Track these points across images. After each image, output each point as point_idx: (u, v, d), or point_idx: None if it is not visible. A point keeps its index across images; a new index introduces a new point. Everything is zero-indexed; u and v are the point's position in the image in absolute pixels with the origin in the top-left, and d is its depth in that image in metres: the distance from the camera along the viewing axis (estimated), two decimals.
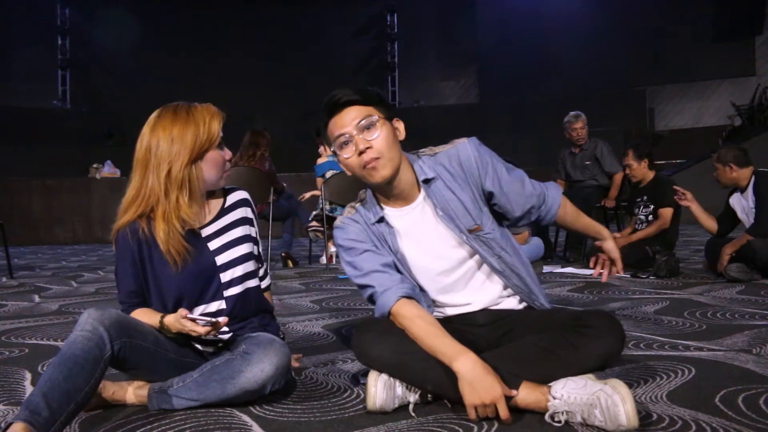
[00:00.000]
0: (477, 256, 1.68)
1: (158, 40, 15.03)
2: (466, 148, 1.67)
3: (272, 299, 1.95)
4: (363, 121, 1.58)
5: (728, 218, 4.03)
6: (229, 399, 1.57)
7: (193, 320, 1.56)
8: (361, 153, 1.57)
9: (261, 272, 1.87)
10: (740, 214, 3.91)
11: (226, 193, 1.84)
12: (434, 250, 1.69)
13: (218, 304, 1.73)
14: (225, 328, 1.65)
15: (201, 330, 1.55)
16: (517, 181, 1.70)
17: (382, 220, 1.70)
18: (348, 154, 1.60)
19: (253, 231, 1.84)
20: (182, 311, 1.58)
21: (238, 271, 1.75)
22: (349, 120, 1.59)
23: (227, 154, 1.73)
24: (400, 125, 1.67)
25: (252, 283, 1.80)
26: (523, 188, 1.70)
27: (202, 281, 1.72)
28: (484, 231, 1.66)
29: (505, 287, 1.72)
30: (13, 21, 14.47)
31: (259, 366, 1.54)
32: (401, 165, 1.63)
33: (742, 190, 3.92)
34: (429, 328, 1.52)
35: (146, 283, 1.72)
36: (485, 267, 1.70)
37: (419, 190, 1.68)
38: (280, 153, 6.76)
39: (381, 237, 1.70)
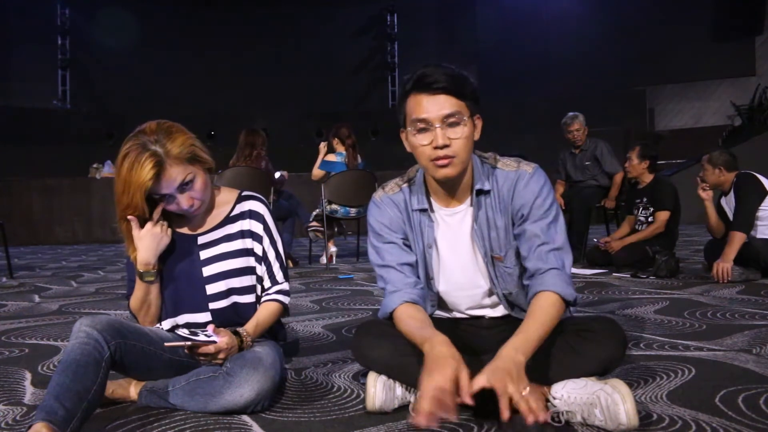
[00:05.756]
0: (491, 282, 1.65)
1: (158, 40, 15.03)
2: (525, 179, 1.57)
3: (281, 308, 1.78)
4: (451, 118, 1.48)
5: (722, 220, 4.04)
6: (213, 413, 1.55)
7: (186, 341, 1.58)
8: (436, 147, 1.48)
9: (267, 283, 1.79)
10: (730, 216, 3.93)
11: (240, 199, 1.80)
12: (461, 261, 1.65)
13: (204, 316, 1.72)
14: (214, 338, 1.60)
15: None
16: (545, 233, 1.54)
17: (425, 211, 1.64)
18: (424, 142, 1.49)
19: (257, 246, 1.77)
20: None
21: (226, 284, 1.72)
22: (436, 109, 1.47)
23: (184, 201, 1.63)
24: (479, 124, 1.56)
25: (244, 299, 1.75)
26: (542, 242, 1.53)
27: (185, 289, 1.71)
28: (505, 264, 1.61)
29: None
30: (13, 21, 14.48)
31: (238, 391, 1.51)
32: (467, 167, 1.57)
33: (725, 193, 3.98)
34: (415, 323, 1.48)
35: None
36: (495, 294, 1.67)
37: (469, 196, 1.62)
38: (280, 153, 6.76)
39: (417, 225, 1.65)
